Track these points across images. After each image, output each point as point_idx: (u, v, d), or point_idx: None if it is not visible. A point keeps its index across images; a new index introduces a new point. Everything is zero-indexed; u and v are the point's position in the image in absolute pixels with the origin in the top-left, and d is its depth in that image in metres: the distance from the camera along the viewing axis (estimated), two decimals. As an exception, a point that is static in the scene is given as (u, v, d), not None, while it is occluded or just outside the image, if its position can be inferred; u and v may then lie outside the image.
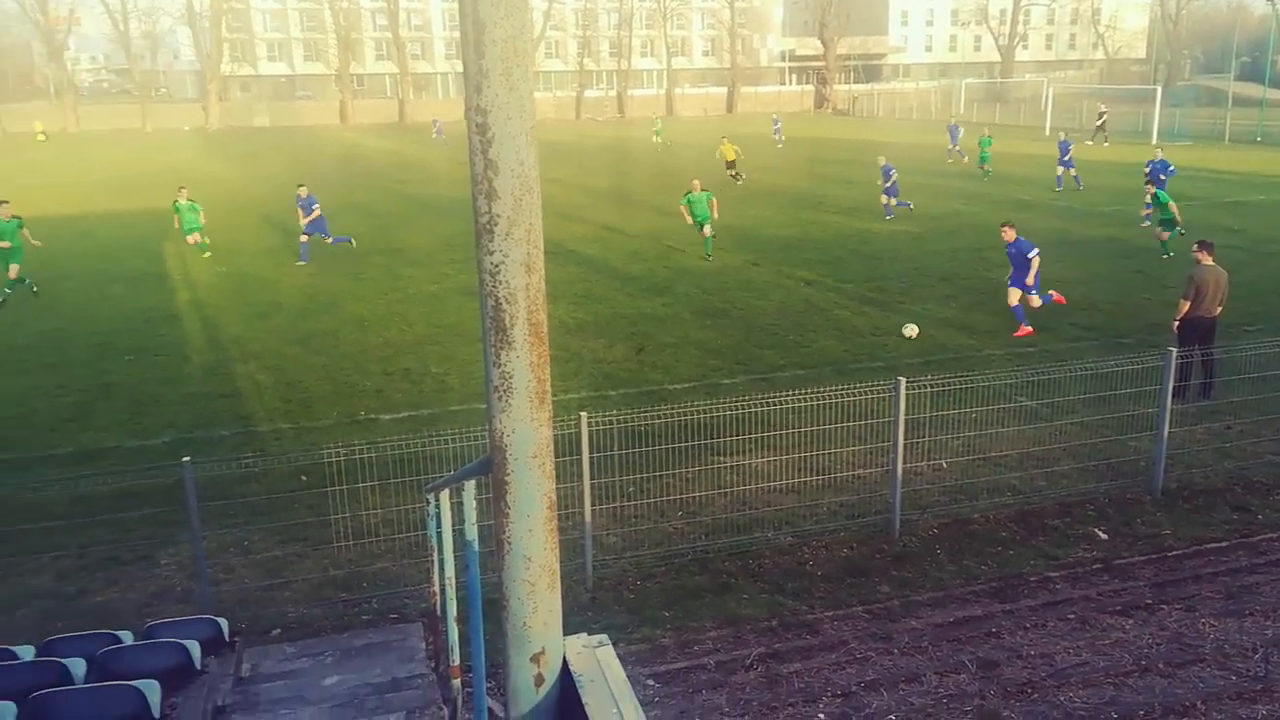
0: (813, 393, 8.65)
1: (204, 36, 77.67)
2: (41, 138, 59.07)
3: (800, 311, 16.08)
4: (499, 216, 1.76)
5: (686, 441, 8.82)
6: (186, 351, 14.47)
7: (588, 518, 7.88)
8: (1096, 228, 23.08)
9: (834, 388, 8.75)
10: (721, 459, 9.36)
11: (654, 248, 22.25)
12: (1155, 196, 19.26)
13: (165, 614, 7.24)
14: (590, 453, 7.72)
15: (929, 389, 9.03)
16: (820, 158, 40.48)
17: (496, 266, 1.81)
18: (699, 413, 8.75)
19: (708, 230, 20.45)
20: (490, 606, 3.59)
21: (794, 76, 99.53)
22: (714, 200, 20.60)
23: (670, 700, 6.29)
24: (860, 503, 8.94)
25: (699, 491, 9.07)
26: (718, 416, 8.93)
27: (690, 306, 16.61)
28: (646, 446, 8.69)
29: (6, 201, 16.97)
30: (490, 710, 3.99)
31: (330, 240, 21.63)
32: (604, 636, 2.45)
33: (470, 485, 3.45)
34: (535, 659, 2.19)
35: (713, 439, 9.19)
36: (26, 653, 5.46)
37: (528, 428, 1.98)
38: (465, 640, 4.98)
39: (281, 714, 5.00)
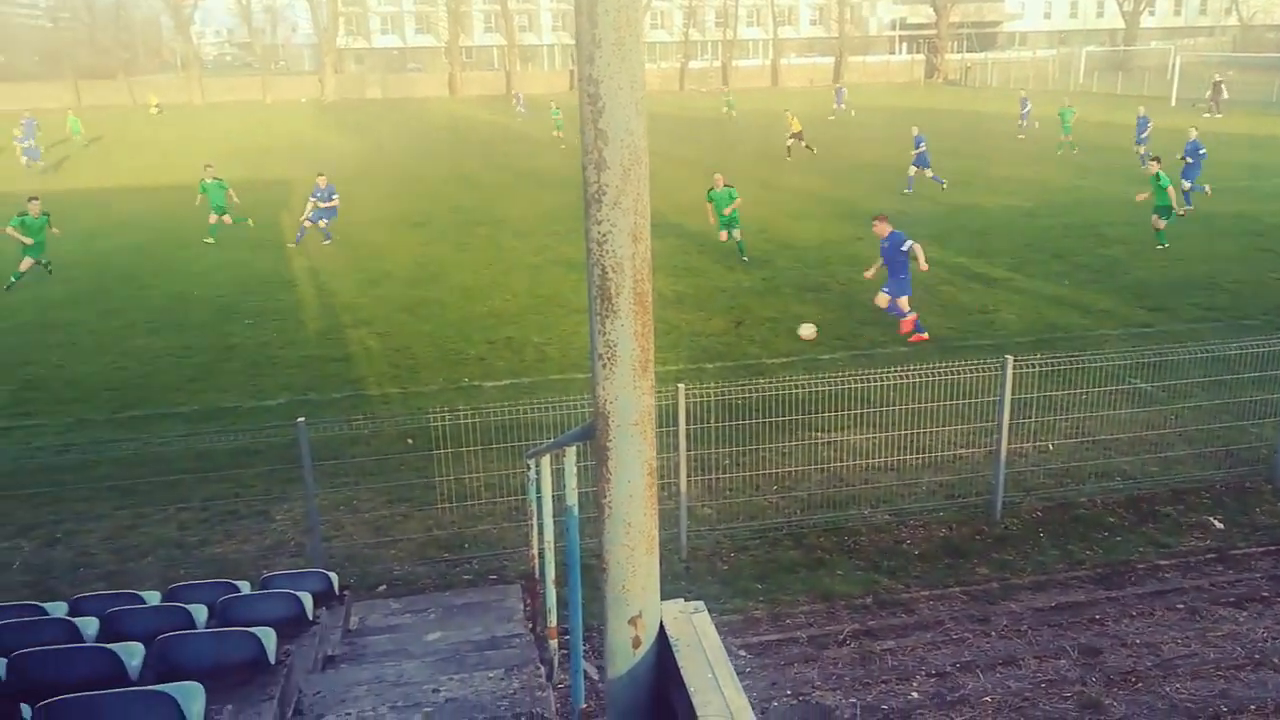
0: (915, 369, 8.49)
1: (321, 10, 79.69)
2: (155, 110, 61.48)
3: (904, 287, 15.74)
4: (607, 186, 1.79)
5: (783, 416, 8.77)
6: (302, 316, 15.03)
7: (683, 489, 7.93)
8: (1224, 204, 21.89)
9: (937, 365, 8.57)
10: (818, 435, 9.29)
11: (754, 221, 22.02)
12: (1156, 177, 17.83)
13: (279, 567, 7.62)
14: (687, 424, 7.76)
15: (1037, 368, 8.77)
16: (927, 129, 39.31)
17: (604, 236, 1.83)
18: (797, 387, 8.68)
19: (736, 234, 17.94)
20: (587, 571, 3.68)
21: (904, 45, 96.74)
22: (738, 199, 17.94)
23: (762, 671, 6.32)
24: (961, 483, 8.76)
25: (794, 466, 9.02)
26: (816, 392, 8.85)
27: (790, 280, 16.44)
28: (743, 420, 8.69)
29: (36, 198, 17.26)
30: (585, 672, 4.09)
31: (325, 241, 20.57)
32: (700, 603, 2.48)
33: (571, 452, 3.52)
34: (633, 621, 2.23)
35: (810, 414, 9.11)
36: (153, 598, 5.81)
37: (630, 395, 2.01)
38: (562, 603, 5.12)
39: (387, 665, 5.20)
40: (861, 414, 9.01)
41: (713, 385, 8.72)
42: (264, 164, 34.09)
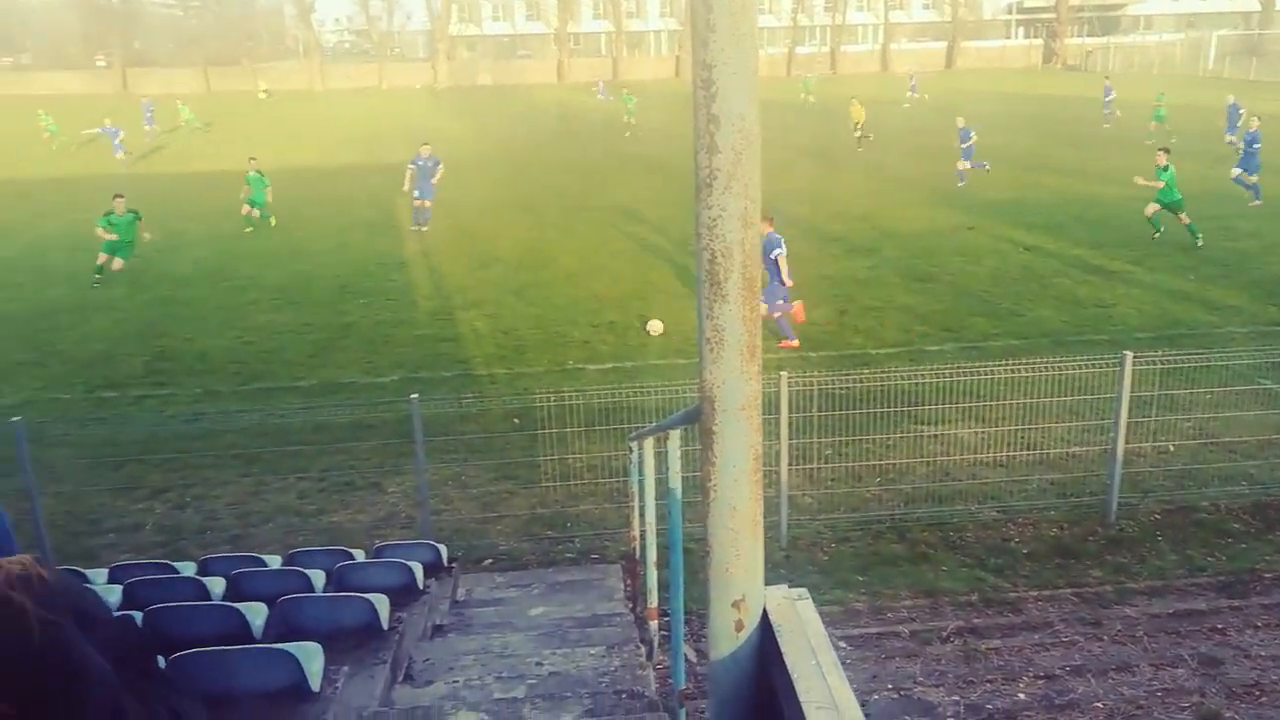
0: (1027, 363, 8.25)
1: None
2: (264, 95, 63.57)
3: (1017, 278, 15.26)
4: (718, 171, 1.80)
5: (887, 407, 8.64)
6: (414, 297, 15.47)
7: (784, 477, 7.90)
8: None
9: (1051, 359, 8.31)
10: (923, 427, 9.11)
11: (859, 207, 21.68)
12: (1164, 169, 16.68)
13: (391, 537, 7.90)
14: (789, 413, 7.72)
15: (1158, 366, 8.41)
16: (1044, 116, 37.90)
17: (714, 220, 1.85)
18: (902, 378, 8.54)
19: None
20: (688, 555, 3.72)
21: (1021, 30, 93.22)
22: None
23: (862, 664, 6.27)
24: (1073, 482, 8.48)
25: (898, 459, 8.88)
26: (922, 384, 8.68)
27: (897, 269, 16.12)
28: (845, 410, 8.58)
29: (121, 196, 16.62)
30: (684, 655, 4.14)
31: (422, 227, 20.58)
32: (803, 590, 2.48)
33: (675, 435, 3.56)
34: (736, 605, 2.25)
35: (915, 406, 8.95)
36: (275, 562, 6.10)
37: (738, 380, 2.02)
38: (662, 585, 5.18)
39: (492, 637, 5.35)
40: (970, 408, 8.81)
41: (815, 374, 8.65)
42: (376, 149, 35.11)
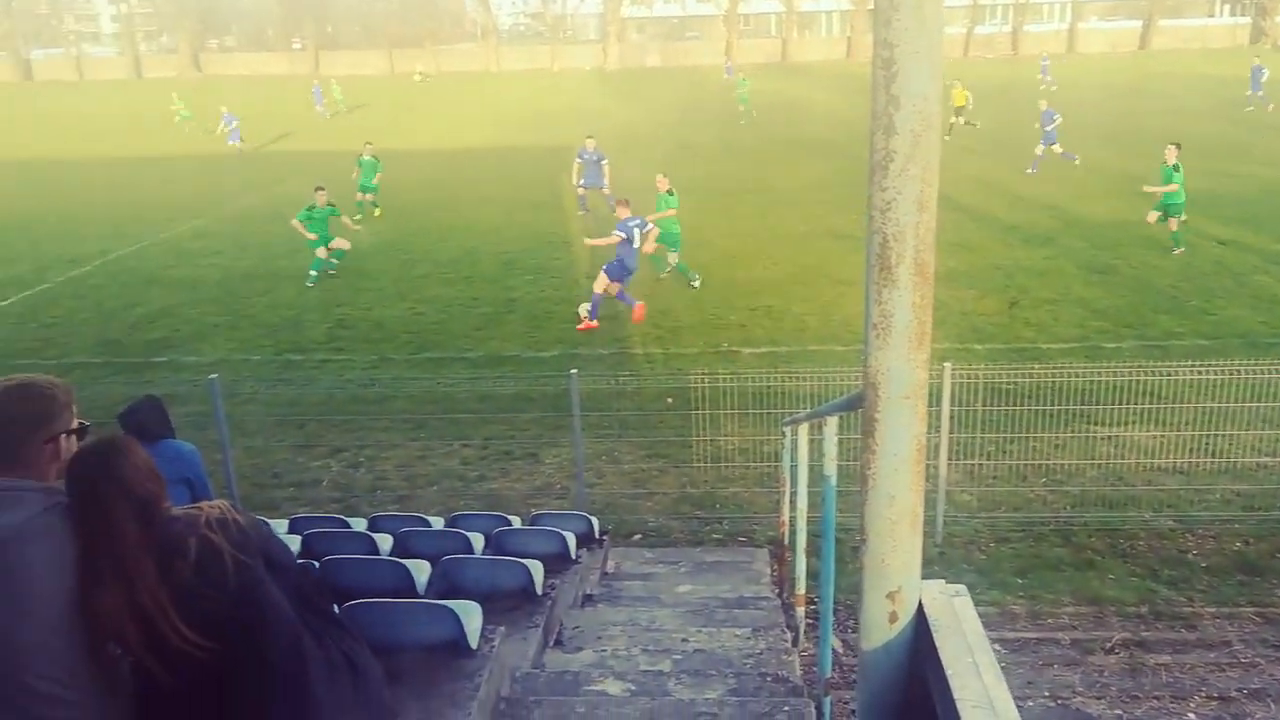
0: (1216, 365, 7.68)
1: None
2: (419, 78, 65.57)
3: (1208, 273, 14.21)
4: (895, 153, 1.77)
5: (1057, 405, 8.24)
6: (576, 274, 15.80)
7: (942, 471, 7.67)
8: None
9: (1243, 362, 7.72)
10: (1096, 428, 8.64)
11: (1040, 195, 20.66)
12: (1173, 169, 15.14)
13: (546, 507, 8.13)
14: (951, 405, 7.48)
15: (1372, 373, 7.68)
16: (1243, 100, 34.93)
17: (888, 203, 1.81)
18: (1075, 375, 8.12)
19: (671, 258, 15.18)
20: (838, 544, 3.68)
21: (1225, 7, 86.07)
22: (672, 210, 15.38)
23: (1018, 668, 6.04)
24: (1262, 495, 7.87)
25: (1067, 460, 8.46)
26: (1097, 382, 8.23)
27: (1075, 260, 15.29)
28: (1012, 406, 8.24)
29: (323, 189, 16.22)
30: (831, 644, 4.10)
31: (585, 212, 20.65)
32: (962, 587, 2.42)
33: (832, 421, 3.51)
34: (891, 596, 2.21)
35: (1088, 405, 8.50)
36: (438, 523, 6.39)
37: (904, 367, 1.98)
38: (810, 572, 5.14)
39: (640, 610, 5.45)
40: (1149, 409, 8.29)
41: (981, 367, 8.33)
42: (546, 130, 35.92)
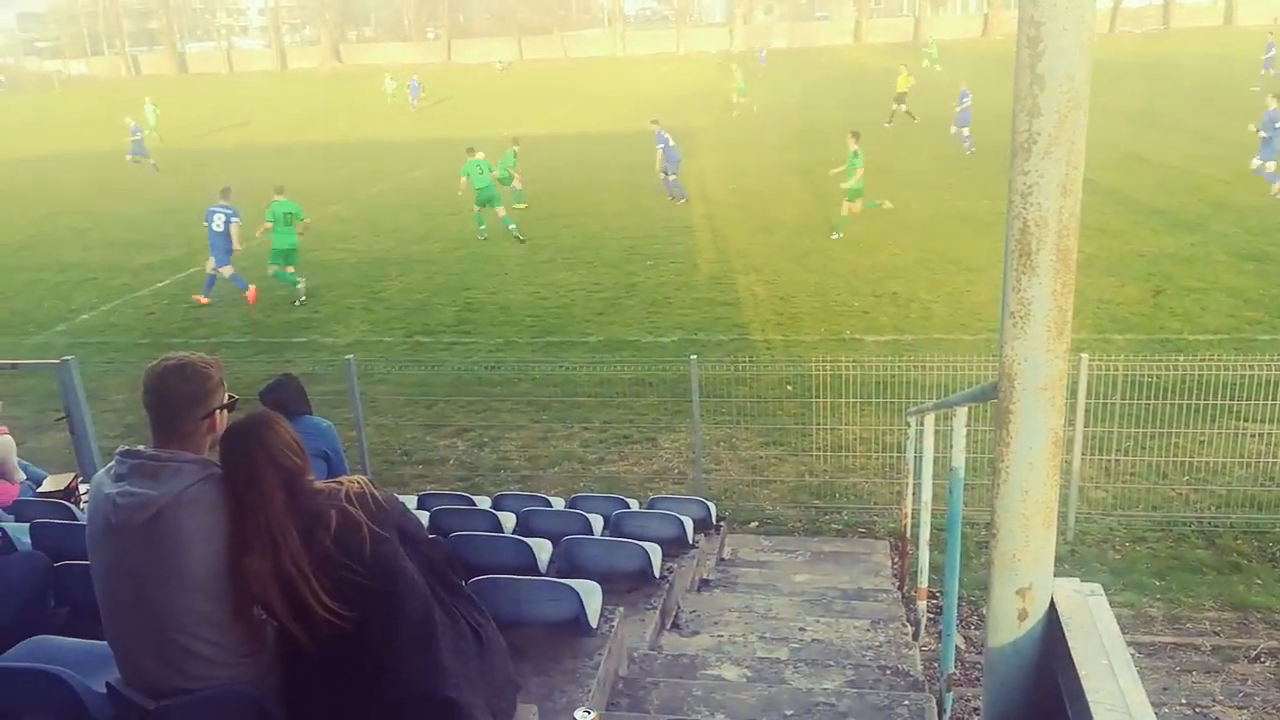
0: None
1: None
2: (499, 67, 65.97)
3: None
4: (1039, 134, 1.70)
5: (1203, 400, 7.77)
6: (696, 260, 15.80)
7: (1076, 466, 7.36)
8: None
9: None
10: (1246, 424, 8.12)
11: (1188, 179, 19.52)
12: None
13: (663, 491, 8.19)
14: (1087, 398, 7.17)
15: None
16: None
17: (1029, 187, 1.75)
18: (1224, 369, 7.67)
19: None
20: (962, 538, 3.58)
21: None
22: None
23: (1153, 674, 5.76)
24: None
25: (1211, 457, 7.98)
26: (1248, 375, 7.75)
27: (1226, 247, 14.40)
28: (1153, 400, 7.83)
29: (516, 142, 16.78)
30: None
31: (679, 199, 20.35)
32: (1097, 586, 2.33)
33: (961, 412, 3.42)
34: (1021, 593, 2.15)
35: (1238, 401, 8.00)
36: (558, 503, 6.52)
37: (1042, 358, 1.92)
38: (932, 566, 5.02)
39: (756, 597, 5.44)
40: (1307, 406, 7.75)
41: (1120, 358, 7.95)
42: (671, 115, 35.87)
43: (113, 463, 2.63)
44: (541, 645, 3.60)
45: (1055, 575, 2.20)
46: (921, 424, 4.81)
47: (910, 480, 6.05)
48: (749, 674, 4.14)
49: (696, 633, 4.81)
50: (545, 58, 76.67)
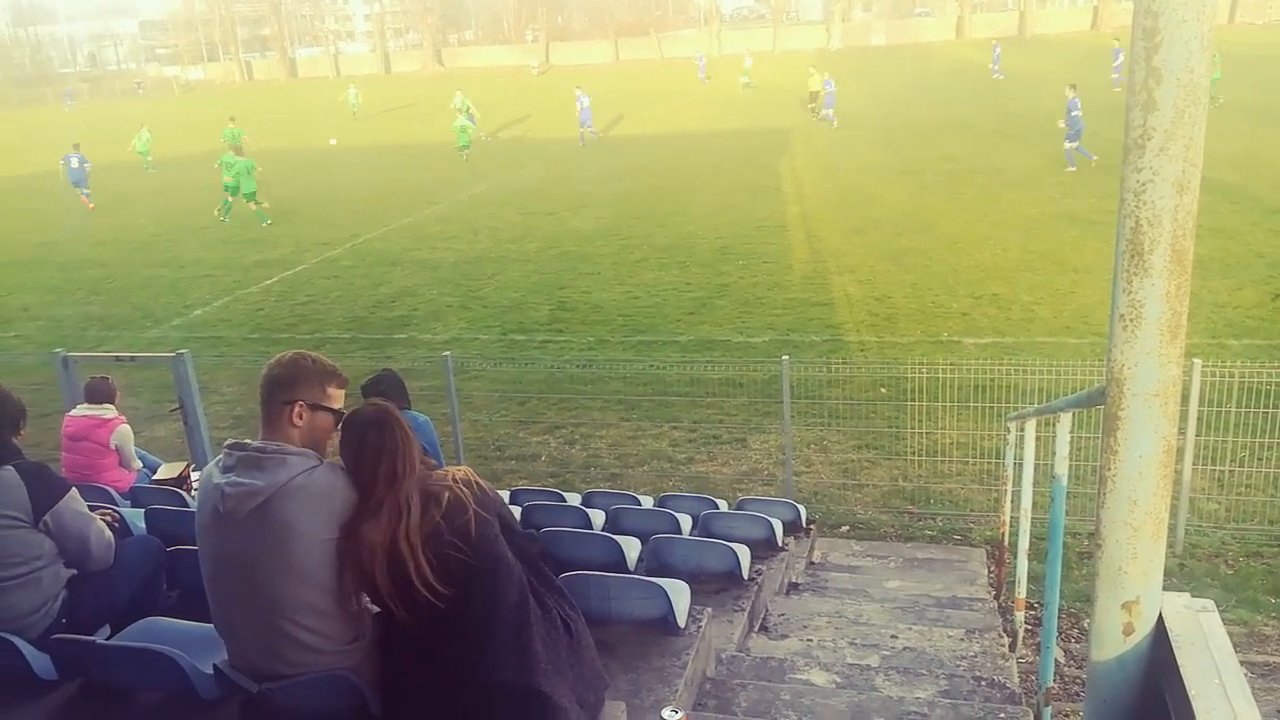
0: None
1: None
2: (534, 71, 65.75)
3: None
4: (1154, 130, 1.64)
5: (1329, 409, 7.36)
6: (789, 260, 15.65)
7: (1186, 476, 7.05)
8: None
9: None
10: (1377, 436, 7.66)
11: (1316, 177, 18.50)
12: None
13: (753, 492, 8.13)
14: (1199, 405, 6.86)
15: None
16: None
17: (1143, 185, 1.69)
18: (1353, 377, 7.24)
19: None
20: (1064, 548, 3.46)
21: None
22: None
23: (1267, 696, 5.47)
24: None
25: (1338, 470, 7.55)
26: (1381, 384, 7.29)
27: (1357, 248, 13.62)
28: (1271, 408, 7.44)
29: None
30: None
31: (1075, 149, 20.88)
32: (1209, 602, 2.23)
33: (1065, 418, 3.31)
34: (1127, 607, 2.08)
35: (1368, 410, 7.54)
36: (647, 502, 6.53)
37: (1153, 362, 1.84)
38: (1031, 576, 4.87)
39: (846, 602, 5.36)
40: None
41: (1237, 364, 7.57)
42: (763, 113, 35.70)
43: (221, 455, 2.74)
44: (629, 643, 3.62)
45: (1164, 590, 2.12)
46: (1022, 430, 4.67)
47: (1009, 487, 5.88)
48: (838, 680, 4.09)
49: (785, 636, 4.76)
50: (641, 58, 76.94)
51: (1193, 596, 2.27)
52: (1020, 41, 58.62)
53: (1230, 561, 6.90)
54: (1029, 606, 4.92)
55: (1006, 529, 5.95)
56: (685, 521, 5.63)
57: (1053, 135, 25.37)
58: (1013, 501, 5.64)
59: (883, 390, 9.72)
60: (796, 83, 46.77)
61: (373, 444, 2.65)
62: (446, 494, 2.64)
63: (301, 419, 2.74)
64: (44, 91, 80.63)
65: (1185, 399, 6.74)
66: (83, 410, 6.42)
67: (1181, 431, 6.86)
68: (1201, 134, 1.66)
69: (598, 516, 5.61)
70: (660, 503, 6.50)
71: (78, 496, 3.67)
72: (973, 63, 50.53)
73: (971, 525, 7.65)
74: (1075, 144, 21.12)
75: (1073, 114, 20.94)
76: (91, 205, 25.17)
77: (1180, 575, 6.75)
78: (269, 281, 16.67)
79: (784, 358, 7.92)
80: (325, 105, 50.72)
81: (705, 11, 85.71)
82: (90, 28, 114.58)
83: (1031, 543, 4.70)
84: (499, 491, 6.24)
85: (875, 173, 22.75)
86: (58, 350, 7.62)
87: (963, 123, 29.56)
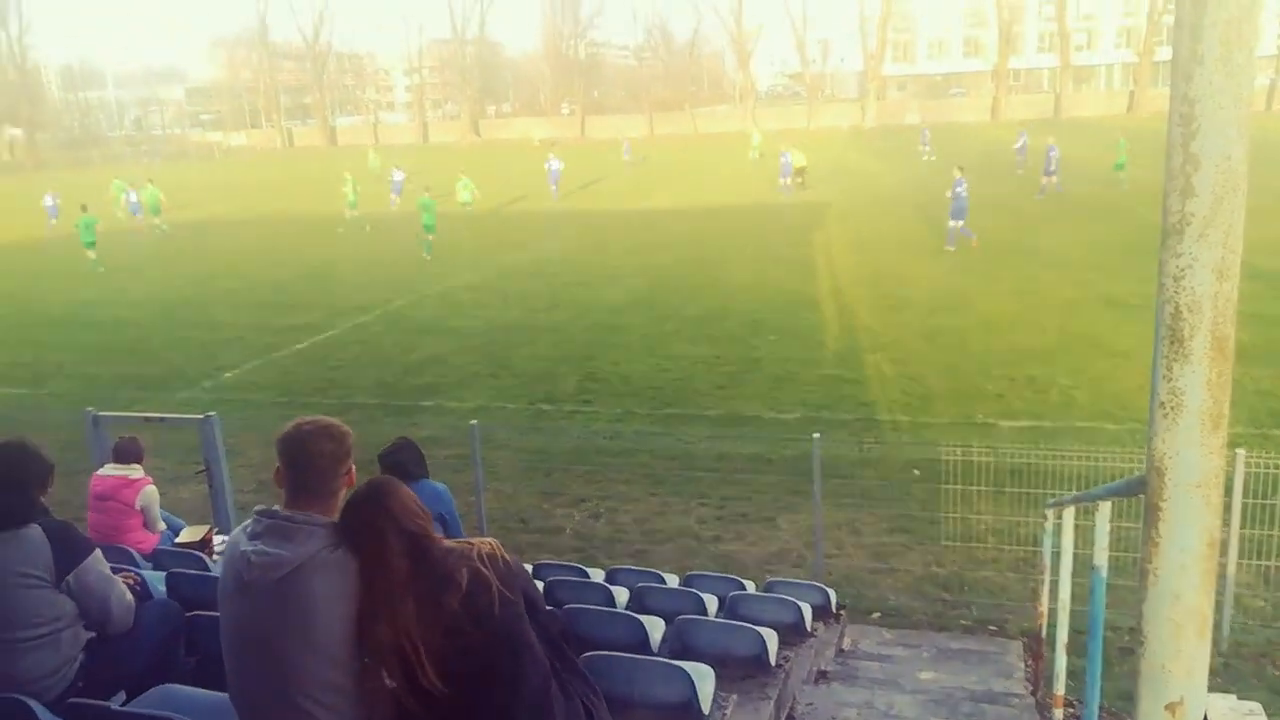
0: None
1: (870, 39, 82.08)
2: (538, 144, 66.31)
3: None
4: (1192, 216, 1.60)
5: (1382, 503, 7.12)
6: (822, 336, 15.60)
7: (1231, 570, 6.82)
8: None
9: None
10: None
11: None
12: None
13: (781, 574, 7.95)
14: (1243, 497, 6.67)
15: None
16: None
17: (1182, 271, 1.65)
18: None
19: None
20: (1104, 643, 3.33)
21: None
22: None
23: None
24: None
25: (1393, 568, 7.28)
26: None
27: (1405, 337, 13.34)
28: (1320, 501, 7.21)
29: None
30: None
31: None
32: (1256, 705, 2.12)
33: (1105, 507, 3.21)
34: (1170, 708, 1.97)
35: None
36: (672, 580, 6.42)
37: (1195, 452, 1.77)
38: (1070, 671, 4.69)
39: (877, 693, 5.18)
40: None
41: (1281, 455, 7.38)
42: (798, 188, 36.03)
43: (250, 520, 2.71)
44: (650, 728, 3.50)
45: (1209, 690, 2.01)
46: (1060, 517, 4.54)
47: (1047, 577, 5.72)
48: (867, 775, 3.92)
49: (812, 726, 4.60)
50: (675, 133, 78.42)
51: (1239, 699, 2.15)
52: (1056, 124, 58.97)
53: (1278, 662, 6.63)
54: (1067, 704, 4.73)
55: (1044, 621, 5.77)
56: (711, 602, 5.51)
57: (1091, 216, 25.38)
58: (1050, 592, 5.48)
59: (916, 472, 9.57)
60: (832, 159, 47.35)
61: (367, 535, 2.56)
62: (465, 574, 2.55)
63: (353, 484, 2.73)
64: (91, 154, 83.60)
65: (1228, 490, 6.56)
66: (110, 470, 6.46)
67: (1225, 524, 6.66)
68: (1241, 220, 1.62)
69: (621, 594, 5.50)
70: (686, 582, 6.38)
71: (101, 558, 3.66)
72: (1007, 143, 50.97)
73: (1008, 616, 7.43)
74: (959, 223, 22.27)
75: (958, 193, 22.19)
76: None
77: (1225, 675, 6.48)
78: (300, 345, 16.88)
79: (815, 435, 7.82)
80: (367, 172, 51.95)
81: (740, 88, 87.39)
82: (138, 93, 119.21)
83: (1071, 636, 4.53)
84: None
85: (909, 250, 22.79)
86: (88, 409, 7.71)
87: (996, 202, 29.62)
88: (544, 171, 39.34)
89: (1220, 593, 6.76)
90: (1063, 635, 4.44)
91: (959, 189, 22.15)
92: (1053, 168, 30.40)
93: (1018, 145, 40.25)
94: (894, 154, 48.73)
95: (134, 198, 34.95)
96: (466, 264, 24.35)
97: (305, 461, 2.68)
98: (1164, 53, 66.45)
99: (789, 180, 35.29)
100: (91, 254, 26.03)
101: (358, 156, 58.52)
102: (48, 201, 34.13)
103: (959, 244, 22.32)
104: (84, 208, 26.61)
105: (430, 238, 25.41)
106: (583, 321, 17.61)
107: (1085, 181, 33.51)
